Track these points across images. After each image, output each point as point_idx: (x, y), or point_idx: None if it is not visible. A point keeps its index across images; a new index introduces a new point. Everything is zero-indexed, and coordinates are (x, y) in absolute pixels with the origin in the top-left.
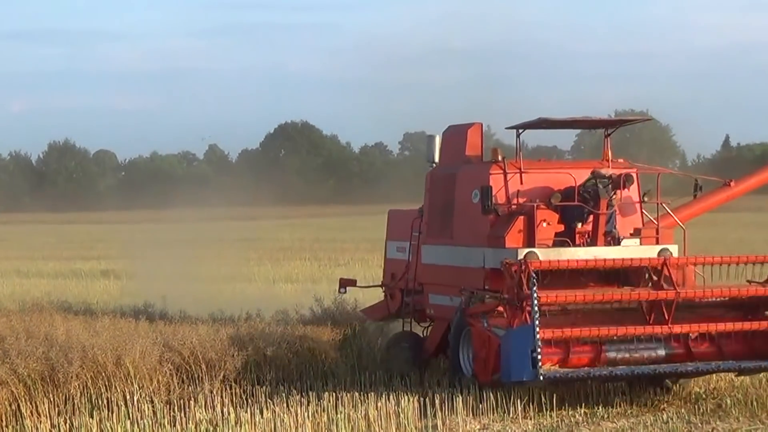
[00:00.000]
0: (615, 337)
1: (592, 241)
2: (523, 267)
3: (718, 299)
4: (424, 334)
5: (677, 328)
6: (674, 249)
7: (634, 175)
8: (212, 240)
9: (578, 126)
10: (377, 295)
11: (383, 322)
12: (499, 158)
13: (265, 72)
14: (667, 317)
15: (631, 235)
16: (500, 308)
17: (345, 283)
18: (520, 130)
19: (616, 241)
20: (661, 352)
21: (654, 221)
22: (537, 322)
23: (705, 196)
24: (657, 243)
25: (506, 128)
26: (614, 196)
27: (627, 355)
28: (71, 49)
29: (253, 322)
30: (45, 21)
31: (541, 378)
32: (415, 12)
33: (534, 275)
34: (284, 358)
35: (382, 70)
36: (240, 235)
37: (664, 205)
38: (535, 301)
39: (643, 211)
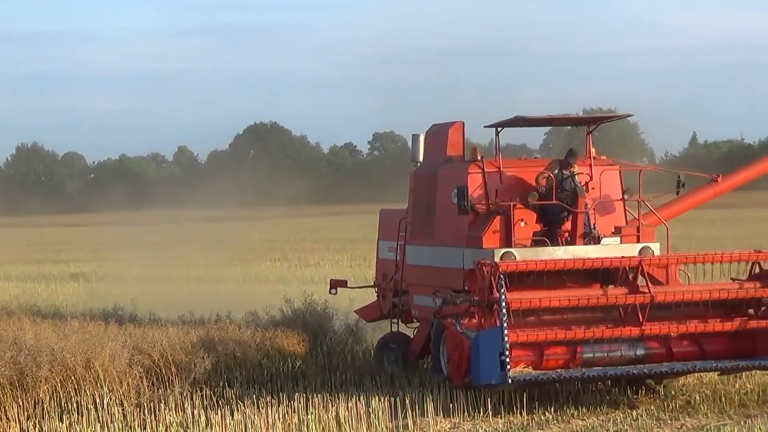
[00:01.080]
0: (591, 339)
1: (571, 241)
2: (492, 269)
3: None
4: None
5: (651, 329)
6: (655, 247)
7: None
8: (182, 241)
9: (557, 124)
10: (350, 296)
11: (376, 322)
12: (478, 157)
13: (234, 73)
14: (641, 319)
15: (612, 233)
16: (472, 310)
17: (336, 284)
18: (499, 129)
19: (595, 240)
20: (640, 352)
21: (638, 219)
22: (505, 325)
23: (691, 193)
24: (638, 241)
25: (485, 126)
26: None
27: (603, 356)
28: (39, 51)
29: (224, 324)
30: (12, 23)
31: (510, 381)
32: (387, 12)
33: (503, 277)
34: (254, 359)
35: (353, 70)
36: (210, 237)
37: (645, 202)
38: (503, 304)
39: (627, 208)
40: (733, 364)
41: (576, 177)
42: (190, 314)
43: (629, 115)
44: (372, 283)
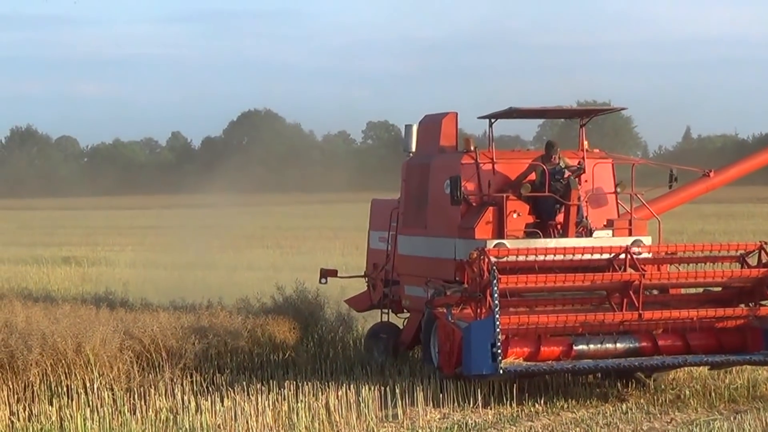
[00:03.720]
0: (582, 331)
1: (564, 233)
2: (483, 257)
3: (690, 291)
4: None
5: (645, 315)
6: (648, 240)
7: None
8: (174, 227)
9: (551, 116)
10: (341, 284)
11: (365, 312)
12: (472, 148)
13: (229, 59)
14: (637, 304)
15: (604, 226)
16: (464, 300)
17: (326, 274)
18: (492, 120)
19: (588, 233)
20: (632, 345)
21: (630, 212)
22: (497, 316)
23: (684, 187)
24: (630, 234)
25: (478, 117)
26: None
27: (595, 349)
28: (34, 34)
29: (215, 310)
30: (5, 5)
31: (501, 372)
32: (378, 1)
33: (494, 266)
34: (245, 346)
35: (345, 59)
36: (202, 222)
37: (638, 195)
38: (496, 294)
39: (620, 202)
40: (724, 359)
41: (568, 169)
42: (182, 300)
43: (623, 109)
44: (362, 273)
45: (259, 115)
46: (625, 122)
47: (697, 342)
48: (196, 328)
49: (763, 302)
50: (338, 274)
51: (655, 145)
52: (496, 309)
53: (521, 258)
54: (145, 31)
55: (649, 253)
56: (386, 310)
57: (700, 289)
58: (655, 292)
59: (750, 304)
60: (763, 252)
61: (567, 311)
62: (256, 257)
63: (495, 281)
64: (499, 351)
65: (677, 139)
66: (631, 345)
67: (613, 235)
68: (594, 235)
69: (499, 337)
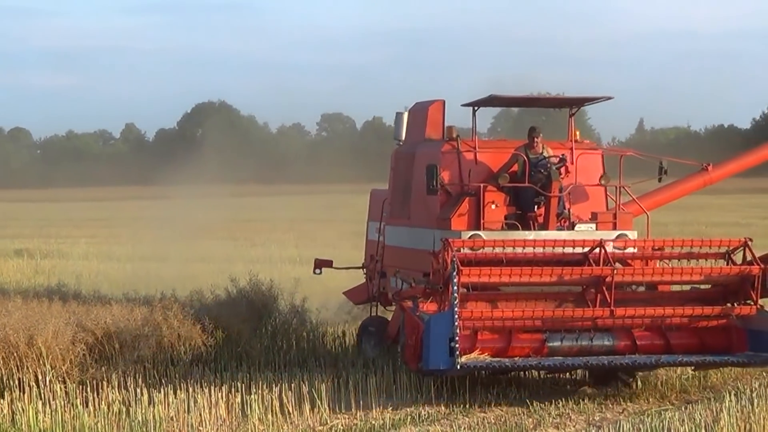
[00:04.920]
0: (553, 326)
1: (544, 225)
2: (447, 248)
3: (669, 290)
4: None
5: (617, 312)
6: (633, 235)
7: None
8: (128, 219)
9: (535, 104)
10: (295, 276)
11: (363, 304)
12: (454, 136)
13: (183, 51)
14: (609, 300)
15: (589, 219)
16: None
17: (320, 264)
18: (476, 108)
19: (570, 226)
20: (608, 343)
21: (622, 206)
22: (456, 309)
23: (680, 181)
24: (614, 228)
25: (462, 105)
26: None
27: (568, 346)
28: None
29: (168, 302)
30: None
31: (459, 367)
32: None
33: (455, 258)
34: (198, 338)
35: (300, 50)
36: (156, 214)
37: (625, 188)
38: (455, 287)
39: (609, 195)
40: (700, 359)
41: (550, 160)
42: (135, 292)
43: (610, 98)
44: (361, 265)
45: (214, 106)
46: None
47: (678, 341)
48: (149, 320)
49: (747, 301)
50: (333, 265)
51: (609, 137)
52: (455, 302)
53: (497, 250)
54: (101, 24)
55: (634, 247)
56: (376, 303)
57: (687, 287)
58: (642, 288)
59: (734, 304)
60: (747, 249)
61: (536, 306)
62: (210, 249)
63: (455, 273)
64: (457, 346)
65: (630, 131)
66: (606, 343)
67: (596, 229)
68: (576, 228)
69: (457, 331)
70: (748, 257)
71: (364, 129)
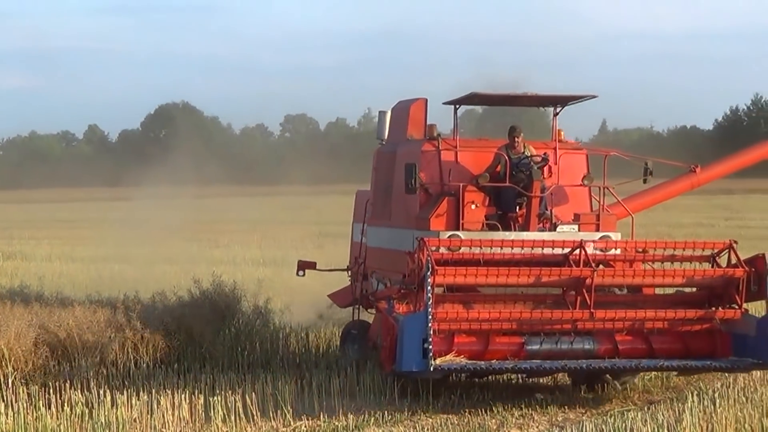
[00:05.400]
0: (531, 329)
1: (524, 226)
2: (422, 247)
3: (653, 295)
4: None
5: (597, 314)
6: (616, 237)
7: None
8: (91, 220)
9: (518, 103)
10: (259, 277)
11: (349, 307)
12: (434, 135)
13: (146, 53)
14: (589, 302)
15: (571, 221)
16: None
17: (304, 266)
18: (457, 106)
19: (551, 227)
20: (589, 347)
21: (606, 208)
22: (430, 310)
23: (667, 183)
24: (597, 230)
25: (443, 103)
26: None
27: (548, 350)
28: None
29: (131, 304)
30: None
31: (432, 369)
32: None
33: (430, 258)
34: (161, 340)
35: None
36: (119, 216)
37: (609, 189)
38: (429, 287)
39: (594, 196)
40: (681, 364)
41: (532, 159)
42: (98, 294)
43: (594, 96)
44: (346, 267)
45: (177, 108)
46: (542, 115)
47: (662, 346)
48: (112, 321)
49: (732, 305)
50: (316, 267)
51: (572, 138)
52: (429, 303)
53: (475, 250)
54: (63, 25)
55: (616, 249)
56: (358, 307)
57: (673, 290)
58: (624, 290)
59: (719, 307)
60: (732, 251)
61: (514, 308)
62: (174, 251)
63: (429, 273)
64: (431, 347)
65: (593, 132)
66: (587, 346)
67: (579, 230)
68: (558, 229)
69: (431, 332)
70: (733, 260)
71: (328, 130)
